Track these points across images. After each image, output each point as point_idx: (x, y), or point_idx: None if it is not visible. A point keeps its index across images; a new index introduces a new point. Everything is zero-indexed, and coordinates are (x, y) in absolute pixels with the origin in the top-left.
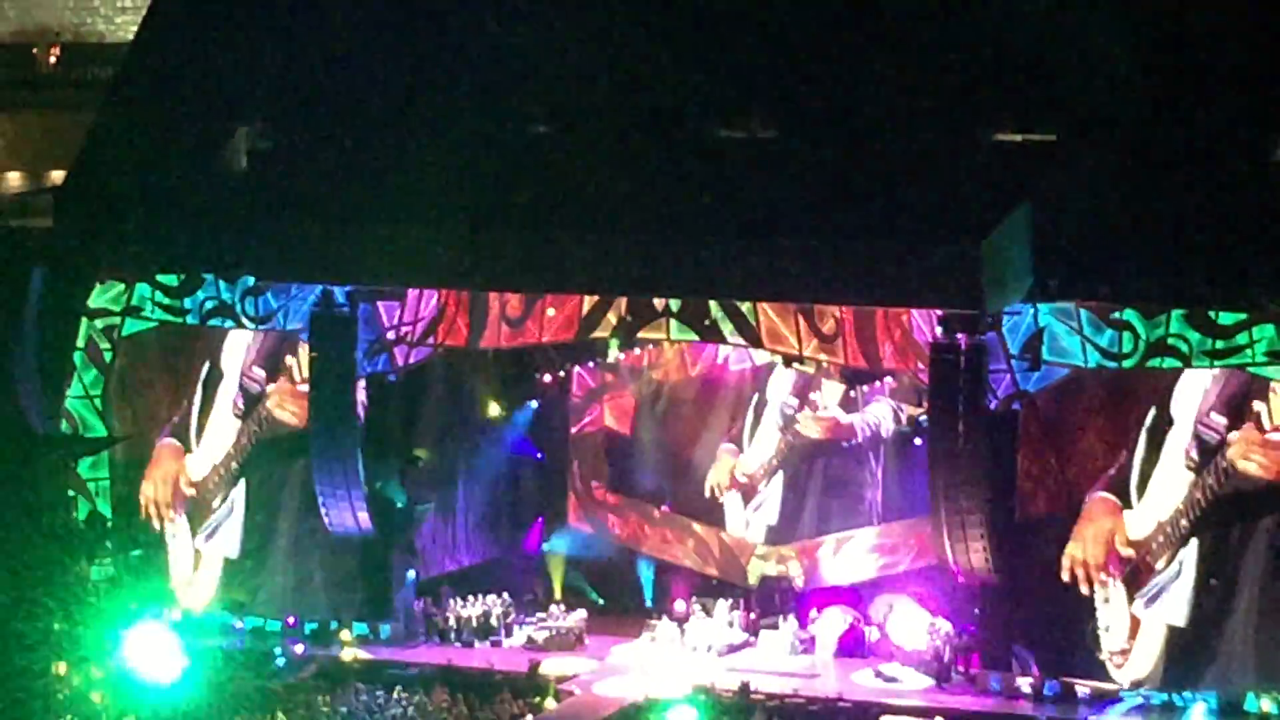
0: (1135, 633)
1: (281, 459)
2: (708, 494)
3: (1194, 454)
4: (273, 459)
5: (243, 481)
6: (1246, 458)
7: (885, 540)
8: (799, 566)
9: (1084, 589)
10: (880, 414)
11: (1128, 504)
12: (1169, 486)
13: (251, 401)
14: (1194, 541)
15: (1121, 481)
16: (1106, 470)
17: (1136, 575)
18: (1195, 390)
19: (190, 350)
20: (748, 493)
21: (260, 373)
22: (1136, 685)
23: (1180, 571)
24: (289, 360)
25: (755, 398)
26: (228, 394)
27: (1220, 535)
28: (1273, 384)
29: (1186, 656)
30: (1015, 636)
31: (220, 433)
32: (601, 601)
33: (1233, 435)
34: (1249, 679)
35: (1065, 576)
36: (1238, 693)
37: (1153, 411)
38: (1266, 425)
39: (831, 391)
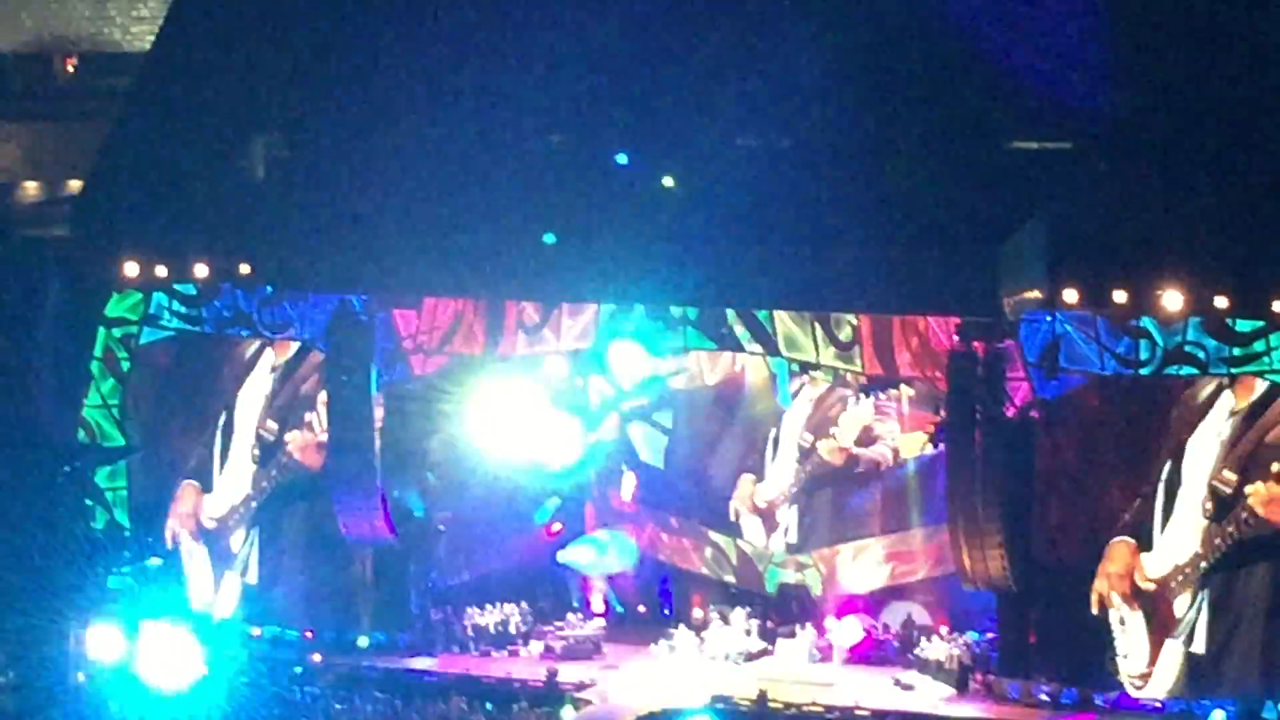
0: (1155, 659)
1: (297, 497)
2: (731, 516)
3: (1209, 505)
4: (289, 497)
5: (260, 518)
6: (1267, 508)
7: (902, 548)
8: (817, 574)
9: (1104, 615)
10: (882, 452)
11: (1146, 547)
12: (1186, 534)
13: (268, 451)
14: (1207, 582)
15: (1140, 527)
16: (1125, 517)
17: (1156, 609)
18: (1207, 449)
19: (206, 401)
20: (768, 517)
21: (273, 425)
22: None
23: (1201, 609)
24: (308, 416)
25: (773, 433)
26: (244, 443)
27: (1230, 573)
28: None
29: (1203, 678)
30: (1037, 655)
31: (238, 478)
32: (620, 609)
33: (1254, 488)
34: (1258, 694)
35: (1094, 610)
36: (1255, 701)
37: (1168, 466)
38: None
39: (848, 428)
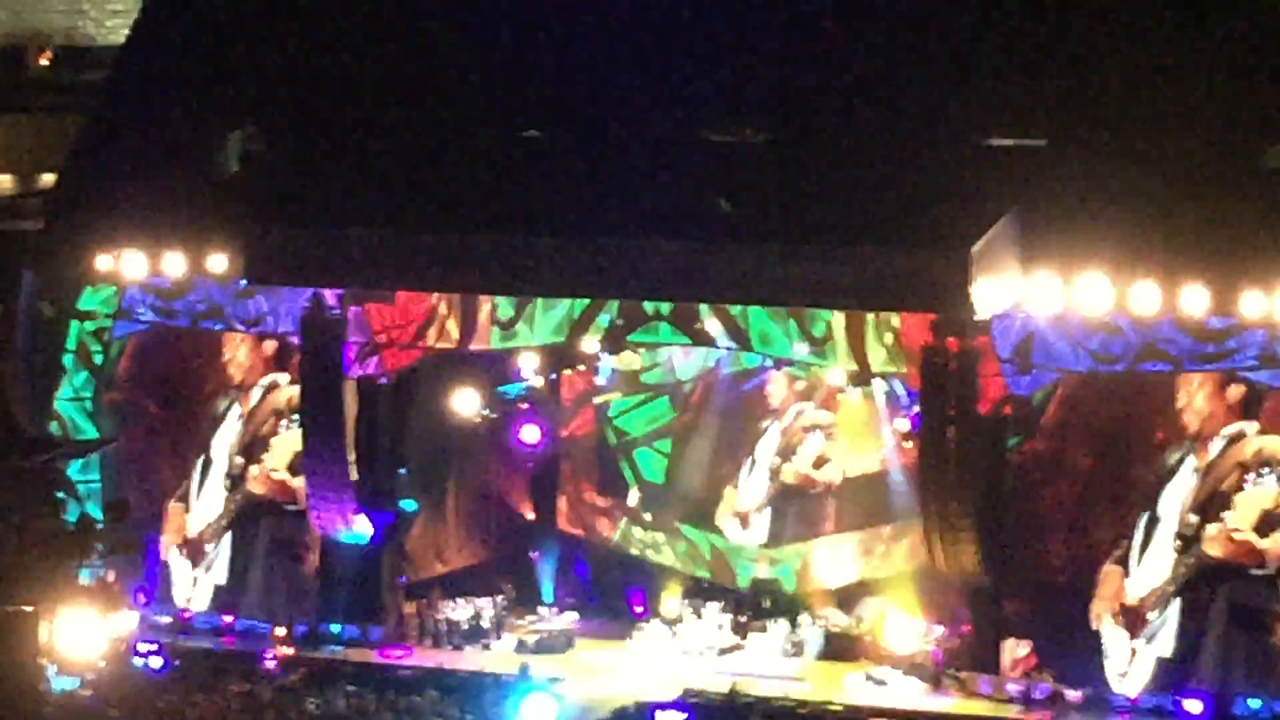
0: (1132, 660)
1: (260, 515)
2: (717, 520)
3: (1177, 541)
4: (252, 515)
5: (231, 531)
6: (1215, 546)
7: (875, 543)
8: (790, 569)
9: (1099, 629)
10: (833, 474)
11: (1128, 573)
12: (1159, 564)
13: (235, 481)
14: (1177, 599)
15: (1124, 557)
16: (1114, 550)
17: (1135, 620)
18: (1177, 496)
19: (190, 441)
20: (744, 521)
21: (240, 460)
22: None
23: (1167, 619)
24: (263, 455)
25: (750, 458)
26: (218, 474)
27: (1195, 596)
28: (1234, 497)
29: (1172, 677)
30: (1035, 657)
31: (212, 501)
32: (592, 603)
33: (1209, 529)
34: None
35: (1095, 626)
36: (1223, 699)
37: (1146, 512)
38: (1230, 525)
39: (804, 458)
